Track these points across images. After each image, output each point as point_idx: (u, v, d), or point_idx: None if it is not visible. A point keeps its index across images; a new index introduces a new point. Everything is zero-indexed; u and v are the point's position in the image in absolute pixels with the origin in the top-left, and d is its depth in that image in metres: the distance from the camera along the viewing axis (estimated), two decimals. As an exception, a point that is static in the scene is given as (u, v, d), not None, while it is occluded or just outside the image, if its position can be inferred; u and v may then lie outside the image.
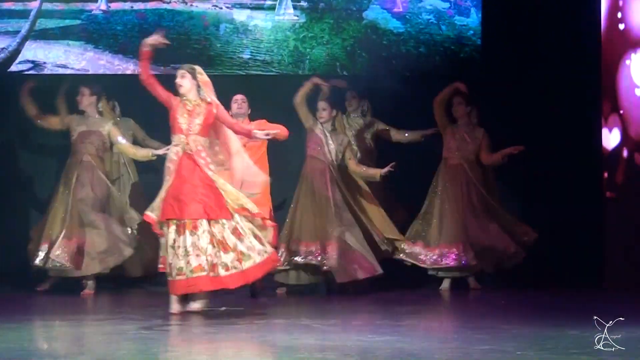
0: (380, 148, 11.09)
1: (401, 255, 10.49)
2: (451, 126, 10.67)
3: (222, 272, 8.37)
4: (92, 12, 11.51)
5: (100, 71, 11.49)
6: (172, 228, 8.41)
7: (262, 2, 11.62)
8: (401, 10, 11.59)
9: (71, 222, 10.11)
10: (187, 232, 8.37)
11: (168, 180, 8.52)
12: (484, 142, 10.63)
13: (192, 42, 11.58)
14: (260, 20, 11.62)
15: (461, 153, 10.61)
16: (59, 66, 11.52)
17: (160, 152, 9.56)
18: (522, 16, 11.35)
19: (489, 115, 10.98)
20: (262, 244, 8.55)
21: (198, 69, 8.73)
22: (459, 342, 7.32)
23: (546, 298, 10.01)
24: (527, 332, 7.64)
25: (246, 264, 8.44)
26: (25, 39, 11.49)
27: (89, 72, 11.46)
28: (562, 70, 11.43)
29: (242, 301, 9.45)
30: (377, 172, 10.26)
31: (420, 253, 10.47)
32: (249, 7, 11.62)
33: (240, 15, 11.62)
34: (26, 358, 6.66)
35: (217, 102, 8.69)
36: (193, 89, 8.63)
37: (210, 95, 8.65)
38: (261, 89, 11.31)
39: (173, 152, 8.59)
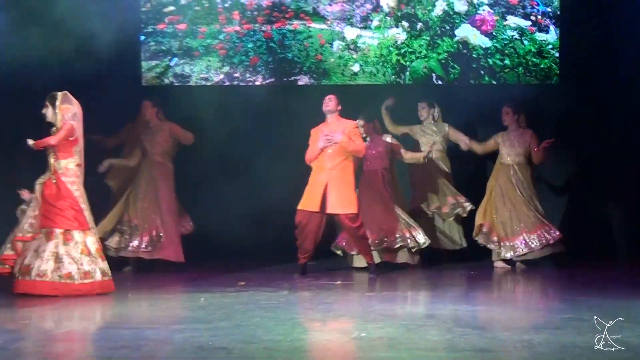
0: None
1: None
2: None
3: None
4: (228, 33, 11.65)
5: (235, 83, 11.58)
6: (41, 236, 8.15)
7: (369, 22, 11.59)
8: (488, 28, 11.47)
9: None
10: (59, 240, 8.11)
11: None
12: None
13: (310, 57, 11.59)
14: (367, 38, 11.58)
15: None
16: (202, 79, 11.63)
17: None
18: (595, 31, 11.13)
19: (566, 118, 10.85)
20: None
21: (59, 97, 8.29)
22: (541, 311, 7.26)
23: (619, 272, 9.81)
24: (602, 302, 7.54)
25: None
26: (174, 56, 11.68)
27: (226, 84, 11.59)
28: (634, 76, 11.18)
29: (355, 276, 9.46)
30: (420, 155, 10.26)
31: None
32: (358, 27, 11.59)
33: (351, 34, 11.60)
34: (176, 323, 6.78)
35: (66, 123, 8.26)
36: (55, 116, 8.27)
37: (61, 119, 8.27)
38: (368, 97, 11.34)
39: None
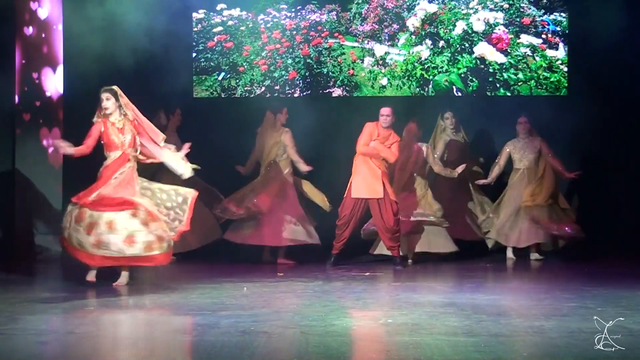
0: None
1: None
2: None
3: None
4: (270, 50, 11.67)
5: (275, 94, 11.62)
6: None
7: (396, 41, 11.57)
8: (504, 45, 11.42)
9: None
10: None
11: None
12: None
13: (343, 72, 11.61)
14: (394, 55, 11.58)
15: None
16: (246, 91, 11.69)
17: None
18: (600, 47, 11.00)
19: (574, 126, 10.79)
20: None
21: (119, 90, 7.84)
22: (551, 300, 7.18)
23: (623, 265, 9.68)
24: (605, 292, 7.49)
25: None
26: (222, 71, 11.71)
27: (268, 96, 11.62)
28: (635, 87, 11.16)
29: (382, 268, 9.43)
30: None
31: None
32: (386, 45, 11.59)
33: (380, 51, 11.60)
34: (222, 309, 6.79)
35: (138, 116, 7.90)
36: (116, 109, 7.80)
37: (131, 112, 7.85)
38: (395, 108, 11.26)
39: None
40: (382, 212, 9.42)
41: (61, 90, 10.33)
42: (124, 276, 7.93)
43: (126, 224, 7.56)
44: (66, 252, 7.87)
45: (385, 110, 9.54)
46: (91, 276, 7.84)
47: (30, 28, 10.17)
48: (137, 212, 7.61)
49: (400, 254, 9.59)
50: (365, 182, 9.44)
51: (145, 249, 7.59)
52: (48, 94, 10.26)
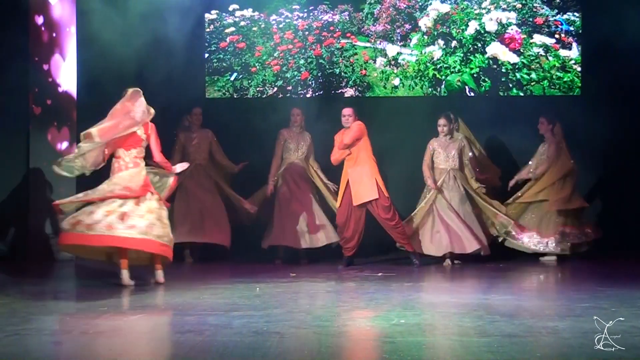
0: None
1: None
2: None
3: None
4: (282, 51, 11.67)
5: (287, 95, 11.64)
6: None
7: (408, 41, 11.56)
8: (516, 45, 11.39)
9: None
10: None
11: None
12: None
13: (355, 72, 11.60)
14: (407, 55, 11.56)
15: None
16: (258, 92, 11.70)
17: None
18: (613, 47, 10.94)
19: (588, 126, 10.74)
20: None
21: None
22: (564, 301, 7.16)
23: (635, 266, 9.64)
24: (620, 293, 7.45)
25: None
26: (234, 72, 11.72)
27: (280, 96, 11.63)
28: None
29: (395, 269, 9.43)
30: None
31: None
32: (398, 45, 11.57)
33: (392, 51, 11.58)
34: (235, 310, 6.80)
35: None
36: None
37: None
38: (407, 108, 11.31)
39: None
40: (379, 210, 9.51)
41: (72, 90, 10.38)
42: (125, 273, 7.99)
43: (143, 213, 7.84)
44: (66, 248, 7.97)
45: (346, 111, 9.76)
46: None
47: (42, 22, 10.22)
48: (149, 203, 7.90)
49: (414, 249, 9.67)
50: (355, 188, 9.56)
51: (157, 237, 7.87)
52: (60, 90, 10.32)
